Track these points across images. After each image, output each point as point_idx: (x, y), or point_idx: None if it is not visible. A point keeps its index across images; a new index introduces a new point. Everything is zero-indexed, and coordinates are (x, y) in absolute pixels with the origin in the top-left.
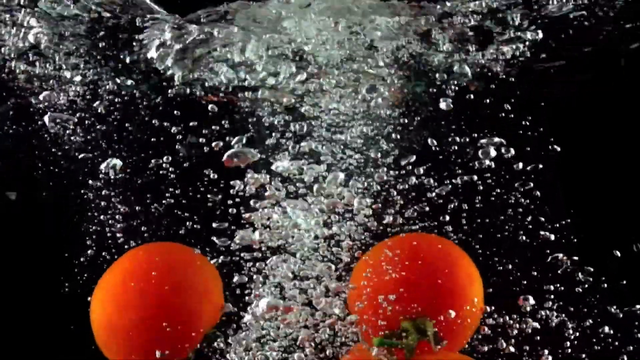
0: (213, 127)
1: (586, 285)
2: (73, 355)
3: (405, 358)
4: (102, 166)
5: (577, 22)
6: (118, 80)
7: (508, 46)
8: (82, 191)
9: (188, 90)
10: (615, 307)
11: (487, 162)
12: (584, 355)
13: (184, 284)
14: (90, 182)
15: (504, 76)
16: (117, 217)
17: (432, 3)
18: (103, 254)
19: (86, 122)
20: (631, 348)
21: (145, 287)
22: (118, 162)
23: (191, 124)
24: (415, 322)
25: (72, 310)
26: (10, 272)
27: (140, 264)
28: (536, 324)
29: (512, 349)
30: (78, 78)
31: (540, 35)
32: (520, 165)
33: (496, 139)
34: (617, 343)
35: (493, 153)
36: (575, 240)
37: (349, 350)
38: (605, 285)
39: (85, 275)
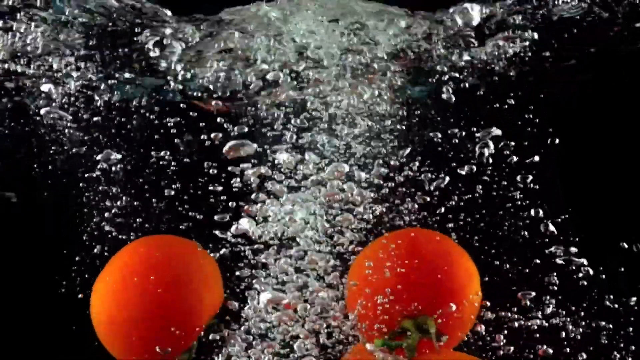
0: (216, 119)
1: (585, 279)
2: (73, 356)
3: (408, 358)
4: (99, 156)
5: (581, 22)
6: (117, 75)
7: (508, 44)
8: (80, 185)
9: (187, 91)
10: (613, 299)
11: (486, 153)
12: (582, 350)
13: (184, 276)
14: (88, 180)
15: (505, 73)
16: (116, 214)
17: (431, 12)
18: (100, 250)
19: (83, 118)
20: (633, 347)
21: (145, 280)
22: (116, 156)
23: (191, 113)
24: (416, 321)
25: (71, 309)
26: (9, 272)
27: (139, 257)
28: (535, 319)
29: (511, 343)
30: (75, 74)
31: (542, 34)
32: (516, 158)
33: (493, 131)
34: (614, 336)
35: (491, 146)
36: (575, 234)
37: (348, 352)
38: (603, 276)
39: (86, 274)
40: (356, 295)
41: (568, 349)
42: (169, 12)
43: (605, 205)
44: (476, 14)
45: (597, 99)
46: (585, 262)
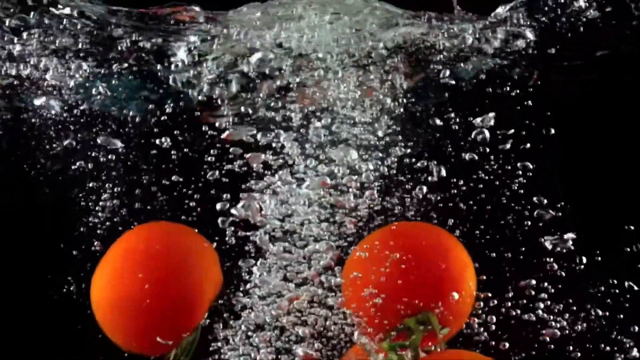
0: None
1: (582, 266)
2: (72, 355)
3: (413, 356)
4: (100, 140)
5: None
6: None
7: (512, 41)
8: (77, 180)
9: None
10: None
11: (483, 138)
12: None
13: (184, 261)
14: (85, 174)
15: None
16: (114, 207)
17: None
18: (99, 247)
19: (80, 114)
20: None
21: (144, 265)
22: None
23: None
24: (417, 318)
25: (70, 308)
26: (6, 270)
27: (139, 243)
28: (535, 308)
29: (512, 332)
30: (72, 74)
31: (546, 34)
32: (515, 151)
33: (489, 118)
34: (612, 321)
35: (487, 133)
36: (573, 223)
37: (345, 354)
38: (599, 258)
39: (84, 272)
40: (353, 293)
41: (567, 333)
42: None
43: (603, 196)
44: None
45: (598, 97)
46: (583, 252)
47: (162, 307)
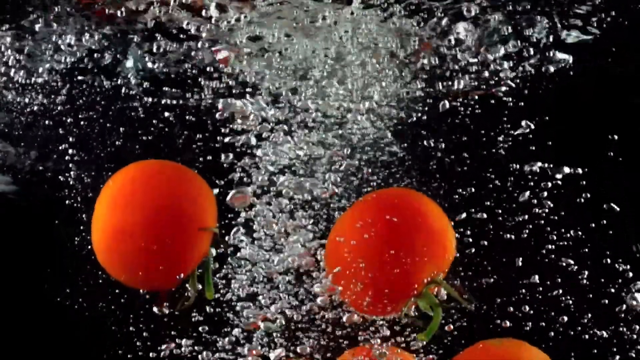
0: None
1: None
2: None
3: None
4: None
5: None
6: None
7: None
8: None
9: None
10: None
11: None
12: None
13: (185, 187)
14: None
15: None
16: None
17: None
18: None
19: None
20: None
21: (146, 192)
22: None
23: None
24: (427, 288)
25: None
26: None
27: (136, 174)
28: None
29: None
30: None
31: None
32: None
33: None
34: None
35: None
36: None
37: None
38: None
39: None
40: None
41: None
42: None
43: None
44: None
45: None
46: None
47: (168, 233)
